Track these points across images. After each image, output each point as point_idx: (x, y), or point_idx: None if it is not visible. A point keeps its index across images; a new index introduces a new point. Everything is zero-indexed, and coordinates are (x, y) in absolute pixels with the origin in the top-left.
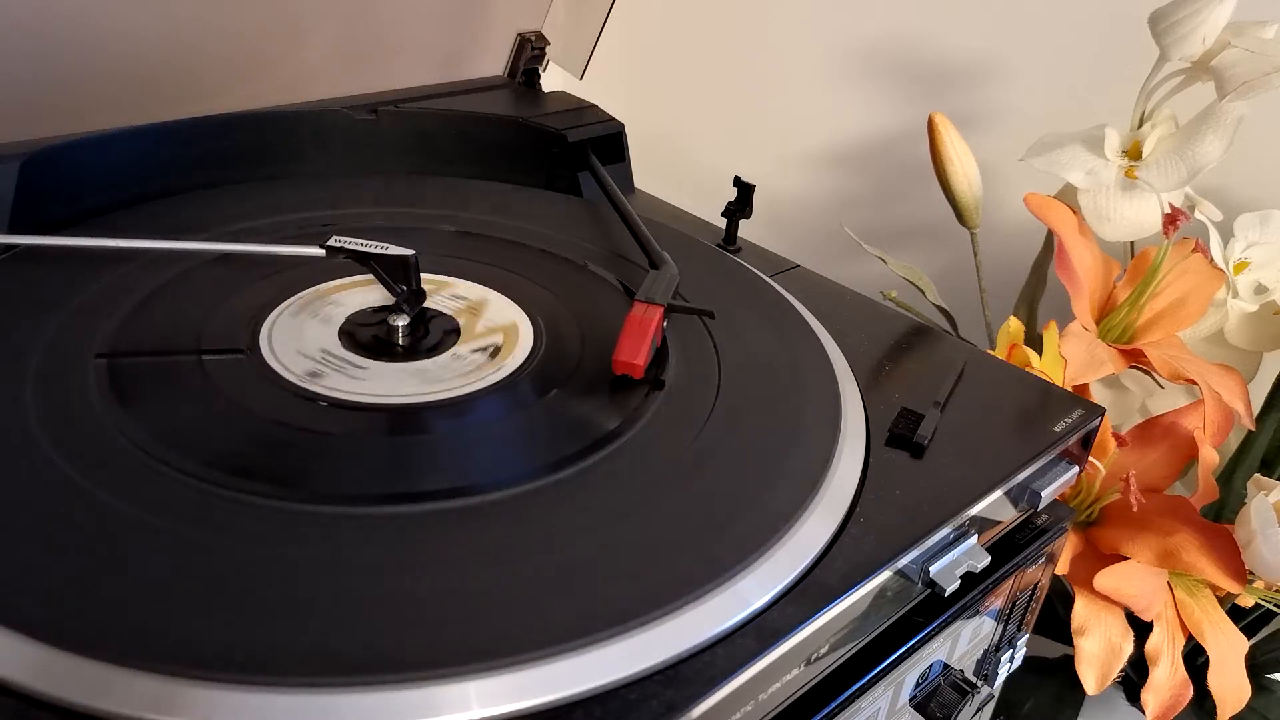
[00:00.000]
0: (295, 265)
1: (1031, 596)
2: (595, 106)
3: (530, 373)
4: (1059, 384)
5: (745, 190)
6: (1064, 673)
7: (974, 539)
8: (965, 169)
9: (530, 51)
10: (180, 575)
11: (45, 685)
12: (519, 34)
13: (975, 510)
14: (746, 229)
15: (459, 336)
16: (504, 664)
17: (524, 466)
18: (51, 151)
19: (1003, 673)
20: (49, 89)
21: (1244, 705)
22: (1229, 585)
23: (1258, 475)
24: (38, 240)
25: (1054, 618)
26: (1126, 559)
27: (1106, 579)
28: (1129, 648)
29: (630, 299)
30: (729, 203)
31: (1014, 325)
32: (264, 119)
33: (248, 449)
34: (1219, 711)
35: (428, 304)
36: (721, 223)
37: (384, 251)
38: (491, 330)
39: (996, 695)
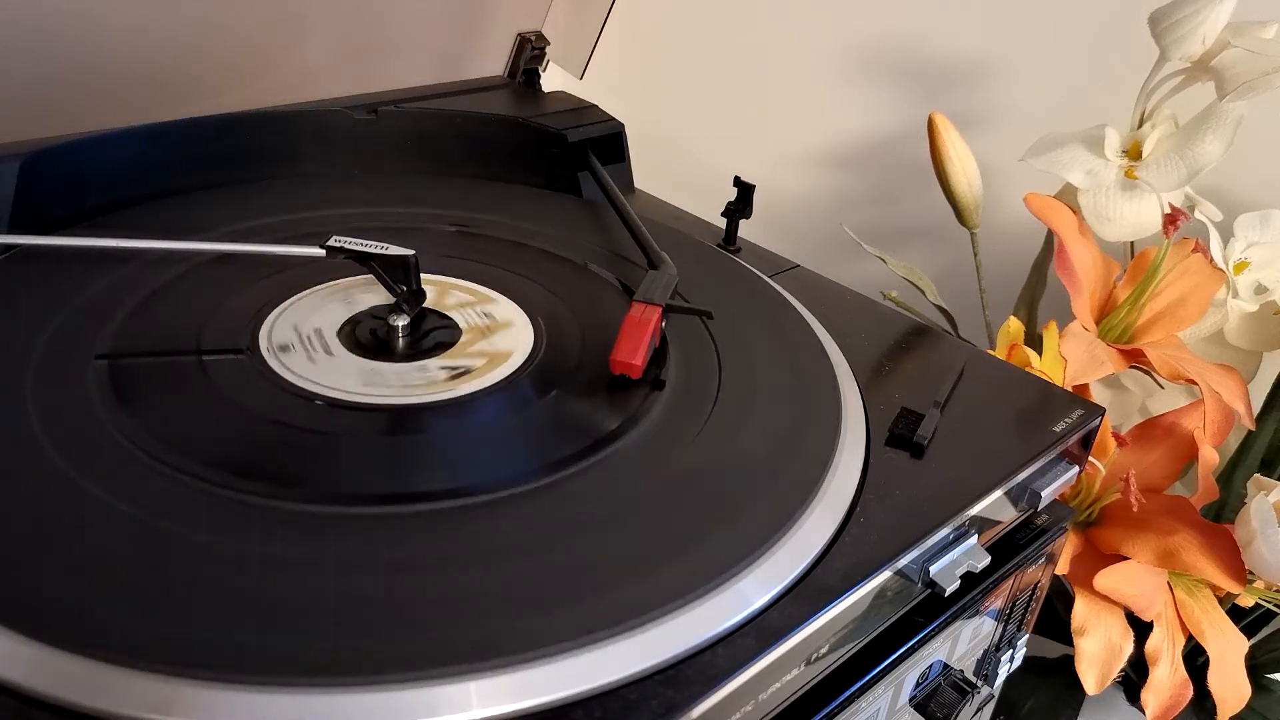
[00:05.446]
0: (295, 265)
1: (1031, 596)
2: (595, 106)
3: (530, 373)
4: (1059, 384)
5: (745, 190)
6: (1064, 673)
7: (974, 539)
8: (965, 169)
9: (530, 51)
10: (180, 575)
11: (45, 685)
12: (519, 34)
13: (975, 510)
14: (746, 229)
15: (458, 338)
16: (504, 664)
17: (523, 466)
18: (51, 151)
19: (1003, 673)
20: (49, 89)
21: (1244, 705)
22: (1229, 585)
23: (1258, 475)
24: (38, 240)
25: (1054, 618)
26: (1126, 559)
27: (1106, 579)
28: (1129, 648)
29: (630, 299)
30: (729, 203)
31: (1014, 325)
32: (264, 119)
33: (247, 449)
34: (1219, 711)
35: (427, 304)
36: (721, 223)
37: (384, 251)
38: (490, 330)
39: (996, 695)
